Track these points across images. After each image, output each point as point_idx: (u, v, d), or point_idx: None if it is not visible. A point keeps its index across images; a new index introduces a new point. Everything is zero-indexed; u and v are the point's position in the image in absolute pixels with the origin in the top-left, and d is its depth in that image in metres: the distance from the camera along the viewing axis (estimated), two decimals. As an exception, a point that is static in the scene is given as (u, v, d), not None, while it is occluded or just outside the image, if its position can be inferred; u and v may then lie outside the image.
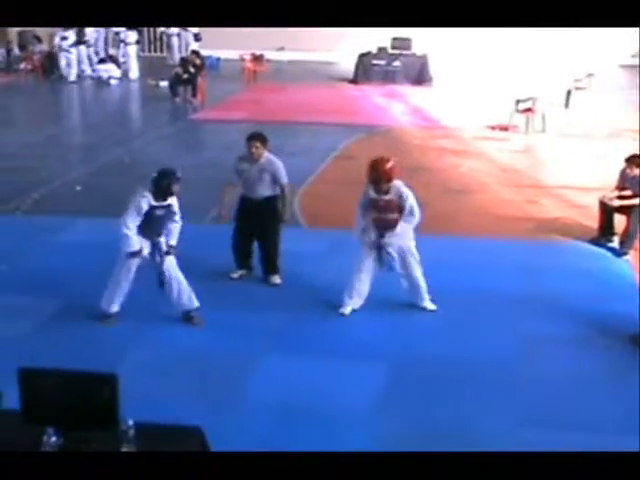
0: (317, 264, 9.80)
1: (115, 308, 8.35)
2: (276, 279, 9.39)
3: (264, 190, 9.16)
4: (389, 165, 8.34)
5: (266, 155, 9.13)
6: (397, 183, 8.37)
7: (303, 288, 9.19)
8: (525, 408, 6.86)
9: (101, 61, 25.83)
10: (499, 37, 27.46)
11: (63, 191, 12.99)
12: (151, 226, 8.14)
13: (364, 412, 6.77)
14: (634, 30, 27.31)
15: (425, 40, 25.38)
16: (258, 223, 9.28)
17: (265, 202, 9.20)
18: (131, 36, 25.36)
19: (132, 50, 25.43)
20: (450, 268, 9.60)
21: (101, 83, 24.36)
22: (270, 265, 9.41)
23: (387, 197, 8.35)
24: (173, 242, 8.33)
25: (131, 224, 8.02)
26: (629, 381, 7.34)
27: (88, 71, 25.39)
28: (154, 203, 8.05)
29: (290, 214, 9.64)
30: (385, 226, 8.43)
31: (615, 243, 10.51)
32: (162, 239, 8.25)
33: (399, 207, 8.34)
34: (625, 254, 10.27)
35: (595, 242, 10.61)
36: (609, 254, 10.35)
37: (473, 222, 11.46)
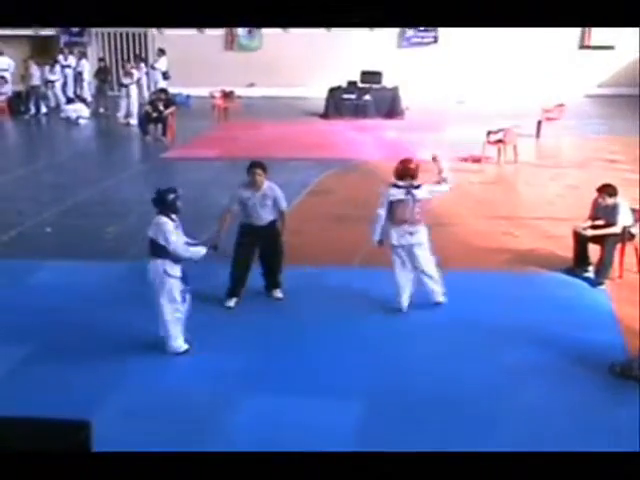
0: (286, 303, 9.80)
1: (180, 341, 8.42)
2: (279, 293, 9.89)
3: (268, 215, 9.58)
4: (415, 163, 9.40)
5: (266, 182, 9.52)
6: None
7: (276, 328, 9.12)
8: (505, 439, 6.79)
9: (69, 101, 25.70)
10: (468, 67, 27.76)
11: (33, 233, 12.83)
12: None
13: (344, 447, 6.64)
14: (600, 60, 27.76)
15: (396, 73, 25.56)
16: (263, 245, 9.71)
17: (269, 225, 9.62)
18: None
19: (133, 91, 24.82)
20: (428, 300, 9.56)
21: (70, 123, 24.21)
22: (275, 280, 9.91)
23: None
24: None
25: (180, 244, 8.17)
26: (608, 411, 7.33)
27: (44, 109, 25.32)
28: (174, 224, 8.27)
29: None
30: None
31: (590, 273, 10.48)
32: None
33: None
34: (601, 284, 10.24)
35: (570, 272, 10.58)
36: (585, 284, 10.32)
37: (449, 254, 11.38)
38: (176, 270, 8.22)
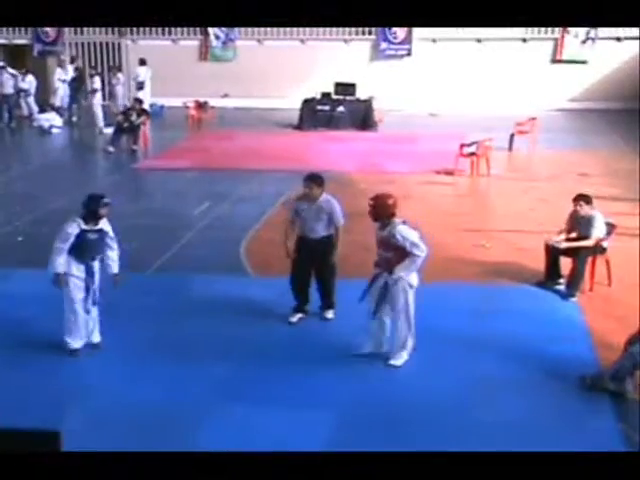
0: (265, 313, 9.75)
1: (79, 342, 8.53)
2: (330, 314, 9.61)
3: (322, 230, 9.30)
4: (390, 201, 8.35)
5: (324, 195, 9.32)
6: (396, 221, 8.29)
7: (252, 337, 9.09)
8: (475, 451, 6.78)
9: (42, 110, 25.55)
10: (441, 80, 27.91)
11: (5, 242, 12.73)
12: (83, 249, 8.37)
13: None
14: (572, 74, 28.00)
15: (369, 85, 25.64)
16: (316, 262, 9.41)
17: (323, 240, 9.32)
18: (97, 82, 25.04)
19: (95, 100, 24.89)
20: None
21: (42, 132, 24.05)
22: (329, 301, 9.60)
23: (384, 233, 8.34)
24: (115, 270, 8.61)
25: (59, 246, 8.26)
26: (579, 423, 7.35)
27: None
28: (85, 227, 8.32)
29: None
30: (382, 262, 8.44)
31: (561, 286, 10.53)
32: (96, 263, 8.52)
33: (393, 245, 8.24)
34: (572, 296, 10.29)
35: (542, 285, 10.63)
36: (556, 297, 10.37)
37: (421, 267, 11.42)
38: (77, 270, 8.39)
